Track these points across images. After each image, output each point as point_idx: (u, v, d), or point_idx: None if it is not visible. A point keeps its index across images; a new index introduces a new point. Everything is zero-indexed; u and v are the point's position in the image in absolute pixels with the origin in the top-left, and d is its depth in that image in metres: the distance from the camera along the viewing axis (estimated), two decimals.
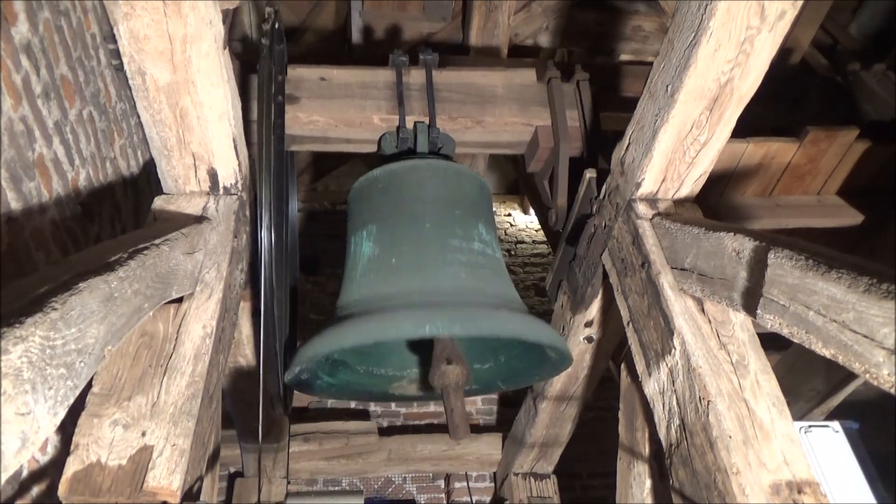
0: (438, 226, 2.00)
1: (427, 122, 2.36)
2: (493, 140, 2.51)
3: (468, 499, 4.53)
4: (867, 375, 1.18)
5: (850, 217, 3.03)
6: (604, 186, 2.18)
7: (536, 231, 7.61)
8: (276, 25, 1.98)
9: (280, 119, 2.03)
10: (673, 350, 1.67)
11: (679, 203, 1.99)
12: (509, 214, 7.88)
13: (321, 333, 1.81)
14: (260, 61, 1.90)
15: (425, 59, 2.44)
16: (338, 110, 2.36)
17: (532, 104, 2.48)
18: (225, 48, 1.74)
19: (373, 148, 2.45)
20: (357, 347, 1.83)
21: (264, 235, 1.81)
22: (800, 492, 1.39)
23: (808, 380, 3.59)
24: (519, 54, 4.17)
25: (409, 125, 2.36)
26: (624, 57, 4.44)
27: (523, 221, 7.82)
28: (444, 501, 4.70)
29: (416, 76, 2.47)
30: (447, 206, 2.07)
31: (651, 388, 1.78)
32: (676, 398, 1.64)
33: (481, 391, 2.27)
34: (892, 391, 1.13)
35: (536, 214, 5.82)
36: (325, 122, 2.35)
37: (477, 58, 4.00)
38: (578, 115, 2.46)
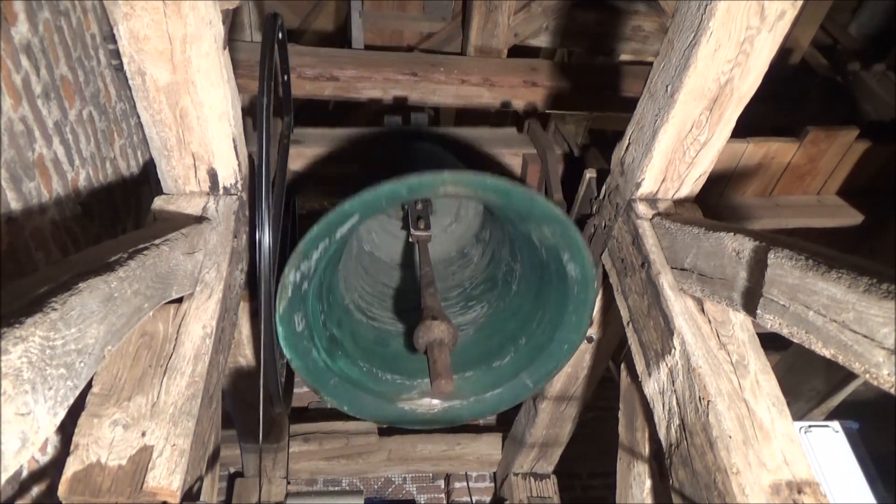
0: None
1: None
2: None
3: (468, 499, 4.53)
4: (867, 375, 1.18)
5: (850, 217, 3.03)
6: (603, 186, 2.18)
7: None
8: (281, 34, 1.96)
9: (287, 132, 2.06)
10: (673, 350, 1.67)
11: (679, 203, 1.99)
12: None
13: None
14: (261, 60, 1.90)
15: (416, 117, 2.65)
16: None
17: (517, 144, 2.67)
18: (225, 48, 1.74)
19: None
20: (360, 208, 1.73)
21: (264, 235, 1.81)
22: (800, 492, 1.39)
23: (808, 380, 3.59)
24: (519, 54, 4.17)
25: None
26: (624, 57, 4.43)
27: None
28: (444, 501, 4.70)
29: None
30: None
31: (651, 388, 1.78)
32: (676, 398, 1.64)
33: (510, 399, 2.15)
34: (892, 391, 1.13)
35: None
36: None
37: (476, 57, 4.01)
38: (561, 144, 2.58)
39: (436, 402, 2.13)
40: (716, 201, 2.98)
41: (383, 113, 2.70)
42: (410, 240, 2.14)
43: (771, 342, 1.78)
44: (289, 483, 4.12)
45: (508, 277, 2.31)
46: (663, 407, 1.71)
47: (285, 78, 2.20)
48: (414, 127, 2.65)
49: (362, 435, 4.33)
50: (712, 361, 1.58)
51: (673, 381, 1.67)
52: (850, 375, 3.38)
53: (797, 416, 3.63)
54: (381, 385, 2.15)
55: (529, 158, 2.54)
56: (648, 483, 2.14)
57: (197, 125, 1.79)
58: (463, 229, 2.65)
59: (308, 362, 1.94)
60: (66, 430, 1.40)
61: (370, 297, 2.42)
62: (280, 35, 1.94)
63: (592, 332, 2.64)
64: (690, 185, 1.97)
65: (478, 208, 2.55)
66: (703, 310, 1.71)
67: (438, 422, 2.17)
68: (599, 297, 2.41)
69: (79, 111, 2.09)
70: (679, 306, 1.71)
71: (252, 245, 2.10)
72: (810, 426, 2.96)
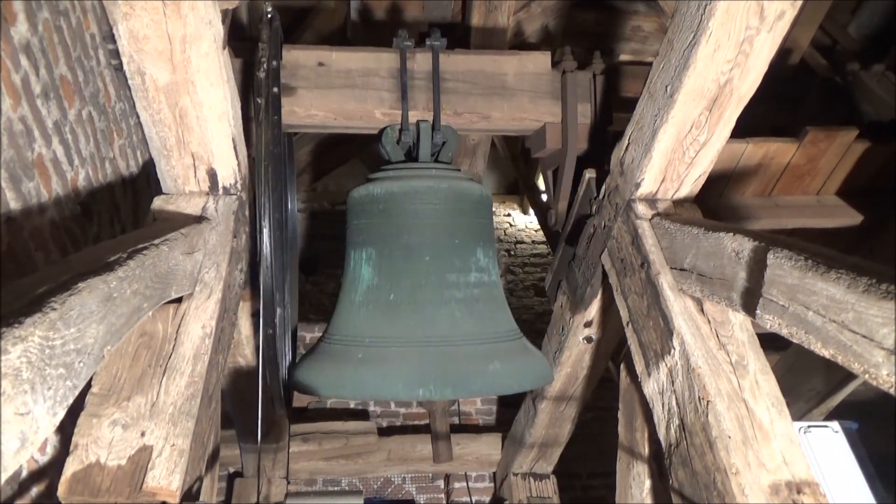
0: (437, 258, 2.05)
1: (431, 117, 2.29)
2: (500, 129, 2.47)
3: (468, 499, 4.53)
4: (866, 376, 1.18)
5: (850, 217, 3.03)
6: (603, 187, 2.18)
7: (536, 231, 7.62)
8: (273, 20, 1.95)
9: (277, 115, 1.96)
10: (672, 350, 1.67)
11: (678, 203, 1.99)
12: (509, 214, 7.88)
13: (319, 363, 1.98)
14: (256, 65, 1.89)
15: (432, 44, 2.30)
16: (337, 103, 2.25)
17: (543, 96, 2.37)
18: (224, 48, 1.74)
19: (374, 133, 2.36)
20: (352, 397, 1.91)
21: (264, 234, 1.81)
22: (799, 492, 1.39)
23: (807, 380, 3.59)
24: None
25: (412, 118, 2.29)
26: (623, 57, 4.43)
27: (523, 221, 7.82)
28: (444, 501, 4.70)
29: (421, 61, 2.31)
30: (447, 233, 2.11)
31: (650, 388, 1.79)
32: (676, 398, 1.64)
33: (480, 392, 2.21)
34: (892, 391, 1.13)
35: (536, 214, 5.82)
36: (324, 116, 2.27)
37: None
38: (591, 110, 2.37)
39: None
40: (715, 201, 2.98)
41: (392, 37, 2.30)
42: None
43: (770, 342, 1.78)
44: (288, 483, 4.12)
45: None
46: (663, 407, 1.72)
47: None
48: (428, 50, 2.33)
49: (362, 435, 4.34)
50: (712, 362, 1.58)
51: (672, 382, 1.67)
52: (849, 376, 3.38)
53: (796, 416, 3.63)
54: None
55: (550, 132, 2.35)
56: (648, 483, 2.14)
57: (196, 125, 1.79)
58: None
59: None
60: (66, 430, 1.40)
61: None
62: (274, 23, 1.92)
63: (592, 332, 2.63)
64: (690, 185, 1.97)
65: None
66: (702, 310, 1.71)
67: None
68: (599, 297, 2.41)
69: (78, 111, 2.08)
70: (678, 306, 1.71)
71: (252, 245, 2.10)
72: (810, 426, 2.97)
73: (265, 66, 1.90)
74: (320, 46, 2.32)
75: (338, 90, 2.27)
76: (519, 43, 4.16)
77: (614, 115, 2.42)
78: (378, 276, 2.05)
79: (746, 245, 1.50)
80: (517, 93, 2.36)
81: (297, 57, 2.26)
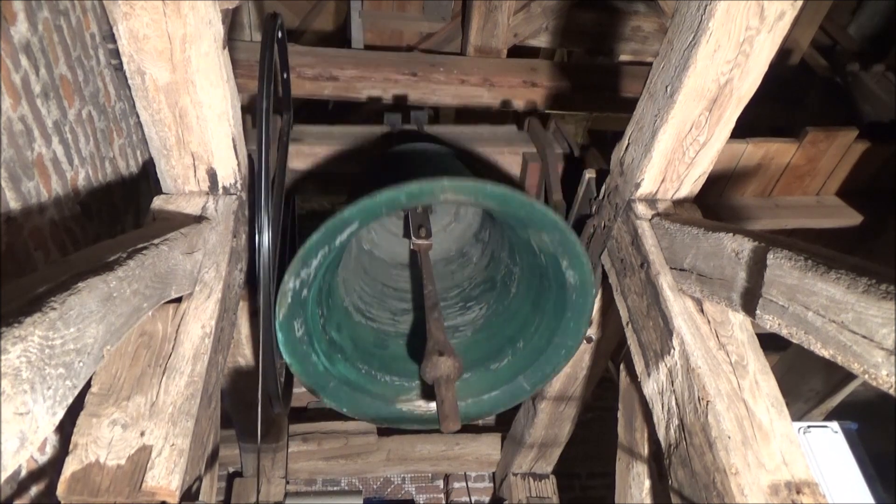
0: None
1: None
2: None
3: (467, 499, 4.53)
4: (866, 376, 1.18)
5: (849, 217, 3.03)
6: (603, 187, 2.18)
7: None
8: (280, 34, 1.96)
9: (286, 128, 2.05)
10: (672, 350, 1.67)
11: (678, 203, 1.99)
12: None
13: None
14: (260, 59, 1.89)
15: (416, 115, 2.65)
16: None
17: (517, 142, 2.63)
18: (224, 48, 1.74)
19: None
20: (363, 214, 1.75)
21: (263, 234, 1.81)
22: (798, 492, 1.39)
23: (807, 380, 3.60)
24: (518, 55, 4.17)
25: None
26: (623, 57, 4.43)
27: None
28: (443, 501, 4.70)
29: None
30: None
31: (650, 388, 1.79)
32: (675, 398, 1.64)
33: (507, 401, 2.16)
34: (891, 391, 1.13)
35: None
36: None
37: (476, 57, 4.00)
38: (561, 143, 2.56)
39: (433, 402, 2.13)
40: (715, 202, 2.98)
41: (383, 112, 2.70)
42: (412, 247, 2.14)
43: (770, 342, 1.78)
44: (288, 483, 4.12)
45: (507, 280, 2.31)
46: (662, 407, 1.72)
47: (285, 76, 2.20)
48: (413, 124, 2.64)
49: (361, 435, 4.33)
50: (711, 362, 1.58)
51: (672, 382, 1.67)
52: (848, 376, 3.38)
53: (796, 416, 3.64)
54: (380, 386, 2.15)
55: (529, 157, 2.53)
56: (647, 483, 2.14)
57: (196, 125, 1.79)
58: (462, 228, 2.64)
59: (308, 366, 1.96)
60: (65, 429, 1.40)
61: (369, 297, 2.42)
62: (280, 34, 1.94)
63: (592, 332, 2.64)
64: (690, 185, 1.97)
65: (478, 209, 2.54)
66: (702, 310, 1.71)
67: (437, 422, 2.18)
68: (599, 297, 2.41)
69: (78, 111, 2.08)
70: (678, 306, 1.71)
71: (252, 245, 2.10)
72: (809, 426, 2.97)
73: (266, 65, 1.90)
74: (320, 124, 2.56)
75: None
76: (519, 43, 4.16)
77: (614, 115, 2.44)
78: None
79: (746, 245, 1.50)
80: (494, 140, 2.66)
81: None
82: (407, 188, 1.60)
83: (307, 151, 2.46)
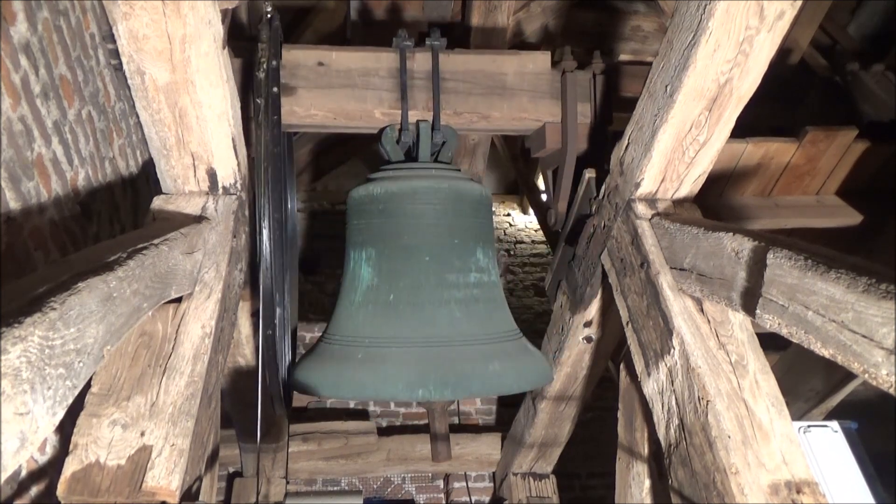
0: (436, 258, 2.05)
1: (430, 118, 2.29)
2: (499, 129, 2.48)
3: (467, 499, 4.53)
4: (866, 375, 1.18)
5: (849, 217, 3.03)
6: (603, 186, 2.18)
7: (536, 231, 7.62)
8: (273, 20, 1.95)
9: (276, 115, 1.96)
10: (672, 350, 1.67)
11: (678, 203, 1.99)
12: (508, 214, 7.88)
13: (319, 363, 1.99)
14: (255, 65, 1.89)
15: (432, 44, 2.30)
16: (337, 102, 2.25)
17: (543, 96, 2.37)
18: (224, 48, 1.74)
19: (373, 133, 2.36)
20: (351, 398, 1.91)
21: (264, 234, 1.81)
22: (798, 492, 1.39)
23: (807, 380, 3.60)
24: None
25: (412, 118, 2.28)
26: (623, 57, 4.43)
27: (522, 221, 7.82)
28: (443, 501, 4.70)
29: (421, 61, 2.31)
30: (447, 233, 2.10)
31: (650, 387, 1.79)
32: (675, 398, 1.65)
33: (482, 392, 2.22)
34: (891, 391, 1.13)
35: (536, 214, 5.82)
36: (324, 116, 2.26)
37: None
38: (591, 110, 2.37)
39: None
40: (715, 201, 2.98)
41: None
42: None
43: (770, 342, 1.78)
44: (288, 483, 4.12)
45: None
46: (662, 407, 1.72)
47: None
48: (427, 49, 2.33)
49: (361, 435, 4.34)
50: (711, 361, 1.58)
51: (672, 381, 1.67)
52: (848, 375, 3.38)
53: (796, 415, 3.63)
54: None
55: (549, 131, 2.35)
56: (647, 483, 2.14)
57: (196, 125, 1.79)
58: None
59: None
60: (65, 429, 1.40)
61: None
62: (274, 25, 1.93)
63: (592, 332, 2.64)
64: (689, 185, 1.97)
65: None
66: (702, 310, 1.71)
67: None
68: (599, 297, 2.41)
69: (78, 111, 2.08)
70: (678, 306, 1.71)
71: (252, 245, 2.10)
72: (809, 426, 2.97)
73: (265, 66, 1.90)
74: (320, 46, 2.31)
75: (337, 90, 2.27)
76: (519, 43, 4.16)
77: (614, 115, 2.42)
78: (377, 276, 2.05)
79: (746, 245, 1.50)
80: (517, 92, 2.36)
81: (297, 57, 2.26)
82: (397, 391, 1.88)
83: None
